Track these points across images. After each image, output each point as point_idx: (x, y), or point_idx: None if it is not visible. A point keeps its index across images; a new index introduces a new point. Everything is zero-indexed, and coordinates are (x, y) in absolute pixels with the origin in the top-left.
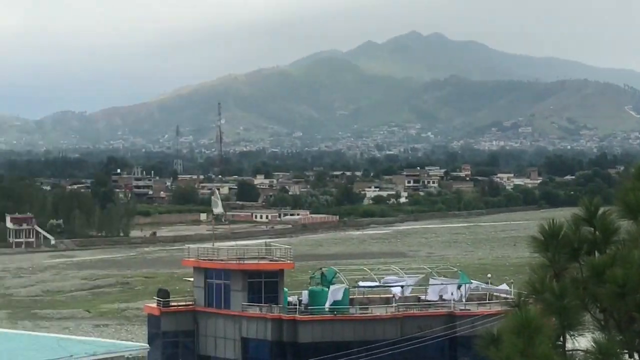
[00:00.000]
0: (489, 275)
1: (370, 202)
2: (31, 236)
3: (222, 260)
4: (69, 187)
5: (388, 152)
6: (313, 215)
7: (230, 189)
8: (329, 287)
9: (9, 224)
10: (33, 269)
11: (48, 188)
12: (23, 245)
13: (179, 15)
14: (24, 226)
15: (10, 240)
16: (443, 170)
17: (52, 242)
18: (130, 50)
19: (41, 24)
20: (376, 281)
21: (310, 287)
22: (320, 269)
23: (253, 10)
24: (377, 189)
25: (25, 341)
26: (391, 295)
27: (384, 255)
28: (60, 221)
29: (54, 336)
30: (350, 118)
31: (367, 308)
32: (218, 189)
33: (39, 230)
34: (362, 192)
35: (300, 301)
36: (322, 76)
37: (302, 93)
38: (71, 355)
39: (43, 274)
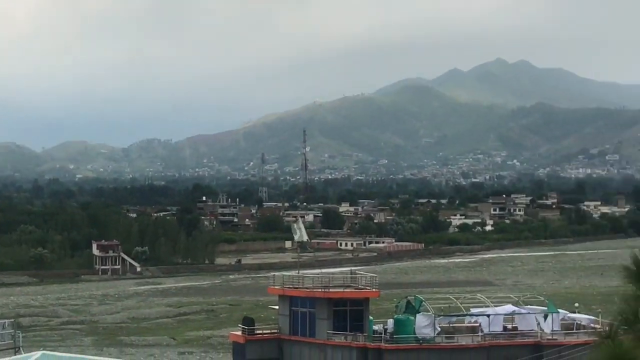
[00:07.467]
0: (577, 305)
1: (456, 230)
2: (117, 263)
3: (307, 288)
4: (155, 214)
5: (474, 180)
6: (398, 243)
7: (315, 216)
8: (415, 316)
9: (95, 251)
10: (119, 296)
11: (134, 215)
12: (109, 272)
13: (265, 45)
14: (110, 253)
15: (97, 267)
16: (529, 198)
17: (138, 269)
18: (216, 79)
19: (129, 56)
20: (462, 310)
21: (395, 316)
22: (406, 297)
23: (338, 39)
24: (463, 217)
25: None
26: (477, 325)
27: (470, 283)
28: (146, 248)
29: None
30: (436, 146)
31: (454, 337)
32: (302, 217)
33: (125, 257)
34: (448, 220)
35: (385, 330)
36: (408, 104)
37: (388, 120)
38: None
39: (129, 300)
